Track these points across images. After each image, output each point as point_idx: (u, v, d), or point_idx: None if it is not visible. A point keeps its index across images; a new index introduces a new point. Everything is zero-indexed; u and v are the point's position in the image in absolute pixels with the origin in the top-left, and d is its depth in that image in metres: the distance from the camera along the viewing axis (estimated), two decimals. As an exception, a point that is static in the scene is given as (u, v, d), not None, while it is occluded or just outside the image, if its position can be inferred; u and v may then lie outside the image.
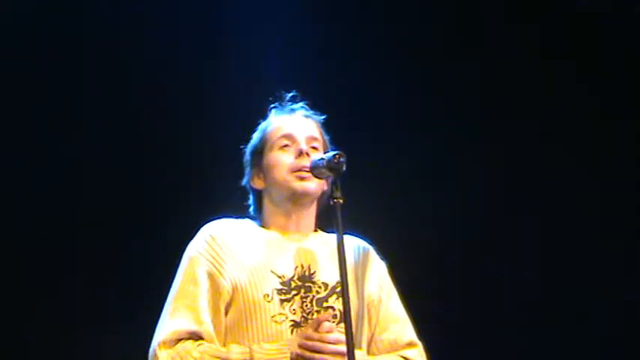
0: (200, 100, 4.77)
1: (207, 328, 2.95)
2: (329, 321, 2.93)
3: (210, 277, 2.99)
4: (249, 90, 4.45)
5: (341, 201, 2.90)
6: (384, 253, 3.23)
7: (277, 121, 3.19)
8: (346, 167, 2.94)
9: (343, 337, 2.79)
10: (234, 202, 3.28)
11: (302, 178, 3.06)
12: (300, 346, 2.87)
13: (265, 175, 3.14)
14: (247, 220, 3.18)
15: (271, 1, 4.83)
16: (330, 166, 2.95)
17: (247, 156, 3.21)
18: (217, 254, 3.02)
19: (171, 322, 2.96)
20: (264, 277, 2.99)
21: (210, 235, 3.06)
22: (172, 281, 3.05)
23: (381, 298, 3.14)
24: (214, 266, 3.01)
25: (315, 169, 3.03)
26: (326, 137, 3.20)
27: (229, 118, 4.44)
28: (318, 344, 2.86)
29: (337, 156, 2.94)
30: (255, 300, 2.96)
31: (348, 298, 2.81)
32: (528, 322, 4.92)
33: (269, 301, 2.96)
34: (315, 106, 3.25)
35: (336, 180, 2.94)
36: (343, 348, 2.78)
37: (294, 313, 2.96)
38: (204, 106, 4.77)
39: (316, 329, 2.89)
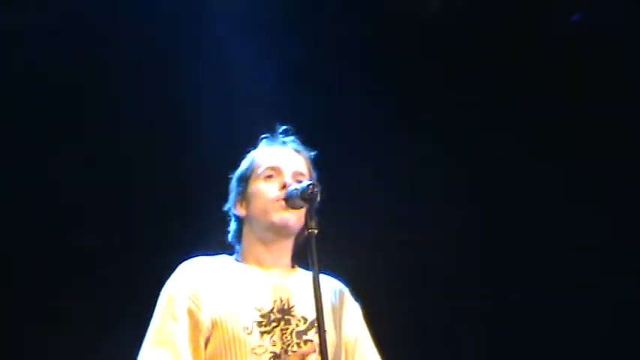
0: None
1: None
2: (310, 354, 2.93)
3: (190, 313, 2.99)
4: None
5: (315, 231, 2.92)
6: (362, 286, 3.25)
7: (266, 151, 3.20)
8: (321, 199, 2.95)
9: None
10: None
11: (283, 209, 3.05)
12: None
13: (248, 203, 3.14)
14: (223, 256, 3.18)
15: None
16: (304, 196, 2.96)
17: (233, 182, 3.21)
18: (196, 290, 3.02)
19: (150, 357, 2.96)
20: (244, 311, 3.00)
21: (188, 273, 3.07)
22: (150, 320, 3.05)
23: (357, 338, 3.16)
24: (193, 302, 3.00)
25: (289, 200, 3.03)
26: (313, 173, 3.20)
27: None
28: None
29: (311, 186, 2.96)
30: (234, 333, 2.96)
31: (324, 326, 2.84)
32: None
33: (249, 334, 2.97)
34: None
35: (311, 210, 2.95)
36: None
37: (274, 345, 2.97)
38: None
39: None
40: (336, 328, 3.08)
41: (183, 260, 3.13)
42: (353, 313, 3.18)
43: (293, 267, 3.18)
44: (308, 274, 2.98)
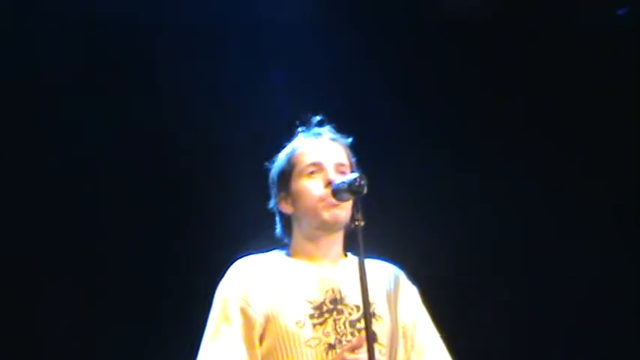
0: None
1: None
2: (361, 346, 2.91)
3: (242, 312, 3.03)
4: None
5: (362, 223, 2.93)
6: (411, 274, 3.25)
7: (305, 145, 3.18)
8: (368, 189, 2.95)
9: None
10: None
11: (333, 206, 3.06)
12: None
13: (294, 201, 3.14)
14: (274, 252, 3.20)
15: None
16: (352, 189, 2.96)
17: (274, 178, 3.21)
18: (246, 289, 3.05)
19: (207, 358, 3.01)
20: (295, 304, 3.02)
21: (238, 273, 3.10)
22: (206, 322, 3.09)
23: (415, 322, 3.15)
24: (244, 301, 3.04)
25: (336, 193, 3.03)
26: (353, 160, 3.20)
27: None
28: None
29: (359, 179, 2.95)
30: (287, 327, 2.98)
31: (370, 317, 2.87)
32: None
33: (301, 327, 2.98)
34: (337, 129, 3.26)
35: (357, 202, 2.96)
36: None
37: (328, 336, 2.98)
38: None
39: (352, 352, 2.90)
40: (391, 314, 3.08)
41: (235, 260, 3.16)
42: (409, 296, 3.18)
43: (345, 255, 3.18)
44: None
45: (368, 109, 4.87)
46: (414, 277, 3.25)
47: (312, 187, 3.09)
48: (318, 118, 3.23)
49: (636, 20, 4.99)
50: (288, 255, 3.17)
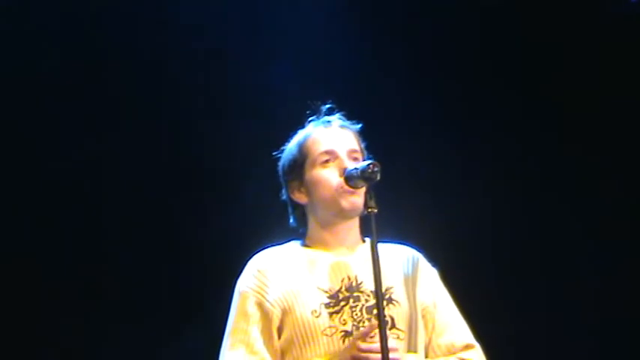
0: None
1: (262, 356, 3.01)
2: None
3: (260, 306, 3.05)
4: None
5: (375, 210, 2.93)
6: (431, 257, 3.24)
7: (316, 134, 3.17)
8: (382, 175, 2.95)
9: (393, 344, 2.86)
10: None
11: (350, 194, 3.05)
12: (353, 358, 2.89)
13: (308, 190, 3.14)
14: (291, 244, 3.20)
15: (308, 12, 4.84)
16: (365, 175, 2.96)
17: (285, 168, 3.20)
18: (264, 284, 3.07)
19: (228, 357, 3.04)
20: (311, 295, 3.02)
21: (257, 269, 3.11)
22: (227, 316, 3.12)
23: (436, 303, 3.14)
24: (261, 295, 3.05)
25: (349, 180, 3.02)
26: (363, 145, 3.20)
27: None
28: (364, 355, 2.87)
29: (371, 165, 2.95)
30: (303, 318, 2.99)
31: (383, 304, 2.86)
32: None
33: (317, 317, 2.99)
34: (350, 113, 3.25)
35: (370, 189, 2.95)
36: (394, 355, 2.84)
37: (344, 324, 2.98)
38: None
39: (364, 339, 2.90)
40: (409, 297, 3.07)
41: (253, 254, 3.17)
42: (429, 278, 3.16)
43: (363, 241, 3.17)
44: (379, 247, 2.94)
45: (381, 93, 4.88)
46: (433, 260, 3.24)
47: (329, 176, 3.09)
48: (327, 105, 3.22)
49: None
50: (304, 245, 3.17)
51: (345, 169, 3.06)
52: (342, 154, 3.11)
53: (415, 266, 3.15)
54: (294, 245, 3.19)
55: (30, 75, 4.65)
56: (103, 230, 4.72)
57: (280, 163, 3.22)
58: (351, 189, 3.03)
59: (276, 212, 3.30)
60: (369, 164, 2.96)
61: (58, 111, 4.68)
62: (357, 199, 3.04)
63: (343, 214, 3.09)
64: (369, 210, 2.93)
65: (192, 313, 4.60)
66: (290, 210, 3.21)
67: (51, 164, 4.66)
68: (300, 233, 3.21)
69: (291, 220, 3.22)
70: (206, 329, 3.60)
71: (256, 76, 4.75)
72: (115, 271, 4.69)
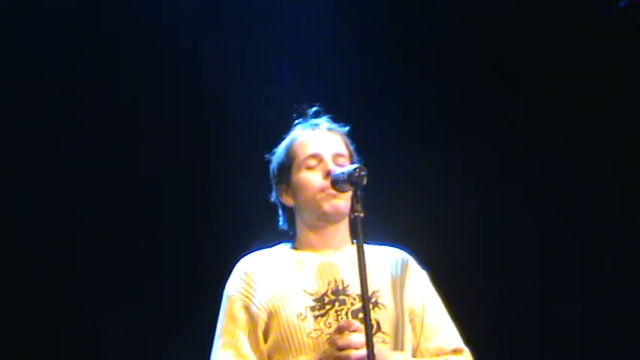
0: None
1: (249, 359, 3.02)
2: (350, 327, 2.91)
3: (246, 309, 3.06)
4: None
5: (362, 214, 2.92)
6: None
7: (303, 137, 3.18)
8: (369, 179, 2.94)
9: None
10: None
11: (332, 197, 3.06)
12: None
13: (294, 193, 3.15)
14: (280, 246, 3.21)
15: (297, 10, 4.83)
16: (352, 179, 2.96)
17: (274, 171, 3.21)
18: (251, 287, 3.08)
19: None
20: (297, 298, 3.02)
21: (244, 272, 3.12)
22: (217, 319, 3.13)
23: (424, 306, 3.13)
24: (247, 298, 3.07)
25: (336, 183, 3.03)
26: (352, 147, 3.20)
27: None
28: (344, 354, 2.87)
29: (358, 169, 2.95)
30: (288, 321, 2.99)
31: (368, 307, 2.85)
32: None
33: (303, 320, 2.99)
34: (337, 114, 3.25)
35: (357, 193, 2.94)
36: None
37: (330, 327, 2.97)
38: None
39: (340, 334, 2.89)
40: (396, 301, 3.06)
41: (241, 258, 3.17)
42: (417, 280, 3.15)
43: (353, 243, 3.15)
44: (366, 249, 2.93)
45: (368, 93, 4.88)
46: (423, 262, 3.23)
47: (312, 179, 3.10)
48: (314, 108, 3.23)
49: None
50: (293, 247, 3.17)
51: (329, 172, 3.07)
52: (327, 157, 3.12)
53: (404, 268, 3.14)
54: (283, 248, 3.19)
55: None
56: (90, 233, 4.71)
57: (271, 166, 3.23)
58: (335, 192, 3.04)
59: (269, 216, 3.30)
60: (355, 168, 2.96)
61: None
62: (339, 202, 3.06)
63: (326, 217, 3.10)
64: (356, 214, 2.92)
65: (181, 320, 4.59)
66: (280, 212, 3.22)
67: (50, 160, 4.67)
68: (290, 236, 3.21)
69: (281, 223, 3.22)
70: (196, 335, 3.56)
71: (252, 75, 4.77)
72: (98, 272, 4.68)
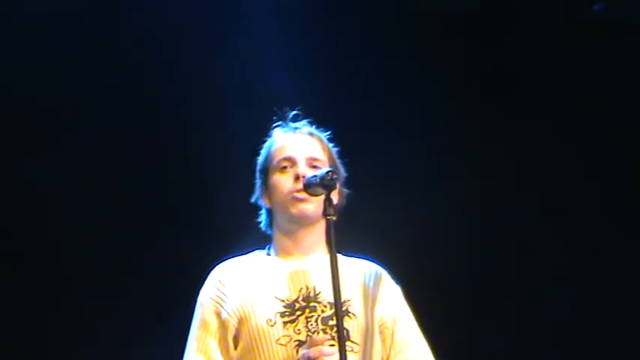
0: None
1: None
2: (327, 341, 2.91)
3: (217, 316, 3.06)
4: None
5: (334, 218, 2.93)
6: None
7: (280, 140, 3.20)
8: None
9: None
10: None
11: (300, 201, 3.06)
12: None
13: (270, 196, 3.17)
14: (254, 253, 3.21)
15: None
16: (323, 183, 2.96)
17: (257, 172, 3.23)
18: (223, 293, 3.08)
19: None
20: (267, 304, 3.02)
21: (217, 279, 3.12)
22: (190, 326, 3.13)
23: (395, 319, 3.12)
24: (218, 304, 3.07)
25: (308, 187, 3.02)
26: (333, 150, 3.20)
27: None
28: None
29: (330, 173, 2.96)
30: (258, 326, 2.99)
31: (341, 313, 2.85)
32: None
33: (272, 325, 2.98)
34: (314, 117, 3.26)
35: (329, 197, 2.95)
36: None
37: (299, 334, 2.97)
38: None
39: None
40: (366, 312, 3.05)
41: (215, 265, 3.18)
42: (390, 294, 3.15)
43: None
44: (340, 260, 2.95)
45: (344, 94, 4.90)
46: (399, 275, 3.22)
47: (283, 182, 3.11)
48: (293, 112, 3.23)
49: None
50: (268, 254, 3.18)
51: (298, 176, 3.07)
52: (301, 160, 3.12)
53: (377, 281, 3.14)
54: (257, 255, 3.19)
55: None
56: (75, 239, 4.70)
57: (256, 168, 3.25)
58: (304, 196, 3.04)
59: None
60: (327, 172, 2.97)
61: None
62: (306, 206, 3.06)
63: (293, 221, 3.10)
64: (328, 217, 2.93)
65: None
66: (263, 214, 3.23)
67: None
68: (268, 239, 3.20)
69: (263, 224, 3.23)
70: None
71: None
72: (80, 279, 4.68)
